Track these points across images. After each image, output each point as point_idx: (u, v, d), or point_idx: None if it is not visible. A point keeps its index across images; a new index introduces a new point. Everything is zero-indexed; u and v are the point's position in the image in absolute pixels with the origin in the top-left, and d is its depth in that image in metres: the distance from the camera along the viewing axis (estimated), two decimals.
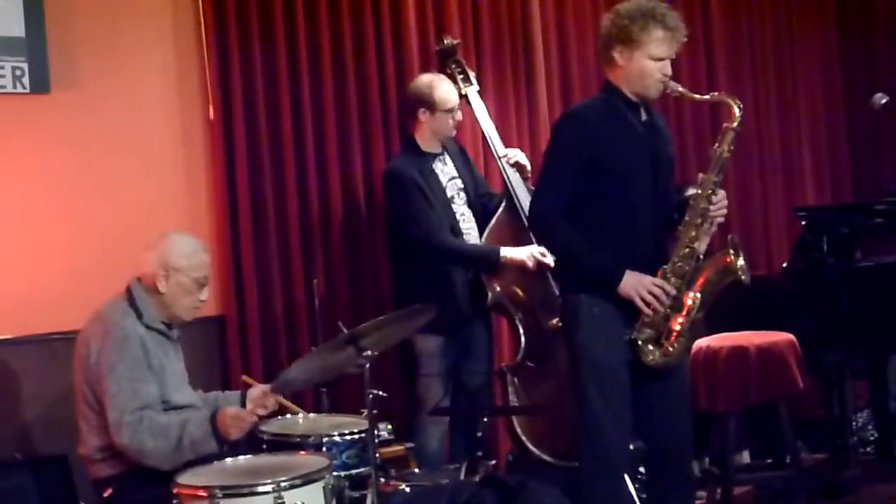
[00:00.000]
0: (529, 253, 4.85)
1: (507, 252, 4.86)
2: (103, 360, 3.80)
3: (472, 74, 5.27)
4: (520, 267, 4.88)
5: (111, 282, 4.13)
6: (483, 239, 5.01)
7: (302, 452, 3.80)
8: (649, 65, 3.86)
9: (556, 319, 4.65)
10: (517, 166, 5.10)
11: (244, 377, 4.34)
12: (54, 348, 4.53)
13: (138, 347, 3.84)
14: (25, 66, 4.59)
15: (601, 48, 3.99)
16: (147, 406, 3.78)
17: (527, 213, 4.86)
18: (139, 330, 3.89)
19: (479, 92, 5.26)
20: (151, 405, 3.80)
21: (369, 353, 3.70)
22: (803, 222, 5.85)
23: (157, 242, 4.03)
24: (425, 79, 5.05)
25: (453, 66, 5.25)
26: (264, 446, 3.95)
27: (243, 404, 4.09)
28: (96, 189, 4.78)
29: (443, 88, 4.99)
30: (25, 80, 4.60)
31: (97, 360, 3.81)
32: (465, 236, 4.99)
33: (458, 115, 5.06)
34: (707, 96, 4.23)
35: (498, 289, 4.93)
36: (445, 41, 5.30)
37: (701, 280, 3.91)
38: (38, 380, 4.60)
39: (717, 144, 3.93)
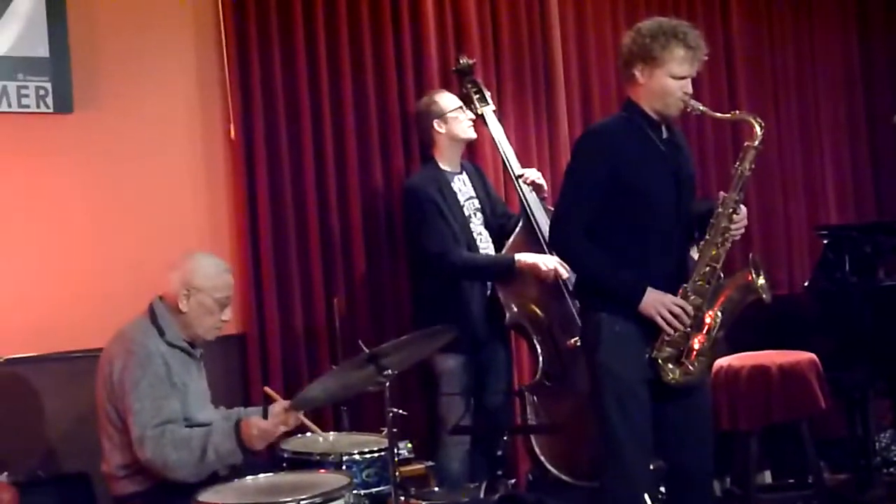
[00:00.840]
0: (544, 259, 4.85)
1: (522, 257, 4.86)
2: (126, 378, 3.82)
3: (488, 94, 5.29)
4: (536, 280, 4.88)
5: (133, 301, 4.15)
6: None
7: (322, 471, 3.80)
8: (670, 83, 3.86)
9: (575, 339, 4.67)
10: (534, 186, 5.10)
11: (266, 388, 4.33)
12: (77, 367, 4.55)
13: (161, 365, 3.85)
14: (49, 86, 4.63)
15: (622, 66, 3.99)
16: (170, 421, 3.80)
17: (544, 232, 4.89)
18: (161, 348, 3.91)
19: (495, 112, 5.27)
20: (174, 420, 3.82)
21: (389, 371, 3.71)
22: (825, 241, 5.83)
23: (181, 262, 4.06)
24: (424, 98, 5.13)
25: (469, 85, 5.26)
26: (284, 464, 3.95)
27: (265, 419, 4.10)
28: (119, 208, 4.82)
29: (442, 96, 5.07)
30: (49, 100, 4.64)
31: (120, 378, 3.83)
32: None
33: (470, 114, 5.09)
34: (728, 115, 4.23)
35: (515, 308, 4.92)
36: (462, 61, 5.31)
37: (722, 299, 3.89)
38: (60, 398, 4.62)
39: (738, 163, 3.91)
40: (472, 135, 5.11)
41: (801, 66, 6.89)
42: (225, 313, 4.08)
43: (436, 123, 5.01)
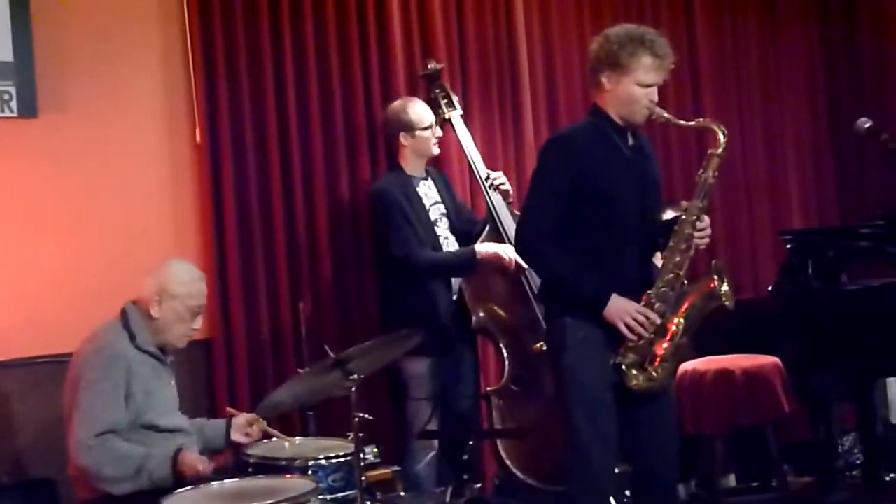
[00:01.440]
0: (504, 248, 4.87)
1: (482, 248, 4.88)
2: (84, 374, 3.84)
3: (455, 99, 5.29)
4: (501, 280, 4.91)
5: (99, 305, 4.15)
6: None
7: (288, 476, 3.78)
8: (637, 91, 3.87)
9: (541, 343, 4.67)
10: (500, 190, 5.11)
11: (228, 409, 4.35)
12: (43, 371, 4.53)
13: (122, 371, 3.86)
14: (13, 90, 4.60)
15: (589, 72, 4.00)
16: (112, 430, 3.81)
17: (510, 236, 4.90)
18: (130, 352, 3.91)
19: (462, 116, 5.28)
20: (118, 430, 3.83)
21: (356, 376, 3.71)
22: (789, 245, 5.86)
23: (156, 268, 4.07)
24: (397, 103, 5.11)
25: (437, 90, 5.26)
26: (250, 469, 3.94)
27: (228, 432, 4.15)
28: (84, 212, 4.79)
29: (415, 109, 5.04)
30: (13, 104, 4.61)
31: (79, 374, 3.85)
32: None
33: (438, 132, 5.10)
34: (692, 122, 4.23)
35: (482, 312, 4.94)
36: (430, 66, 5.32)
37: (685, 305, 3.91)
38: (25, 403, 4.60)
39: (702, 170, 3.93)
40: (436, 151, 5.12)
41: (765, 73, 6.95)
42: (196, 322, 4.09)
43: (402, 135, 5.02)
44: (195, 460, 3.87)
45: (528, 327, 4.91)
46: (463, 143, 5.23)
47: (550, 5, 6.07)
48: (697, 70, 6.60)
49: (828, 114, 7.21)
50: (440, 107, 5.20)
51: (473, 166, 5.20)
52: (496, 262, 4.88)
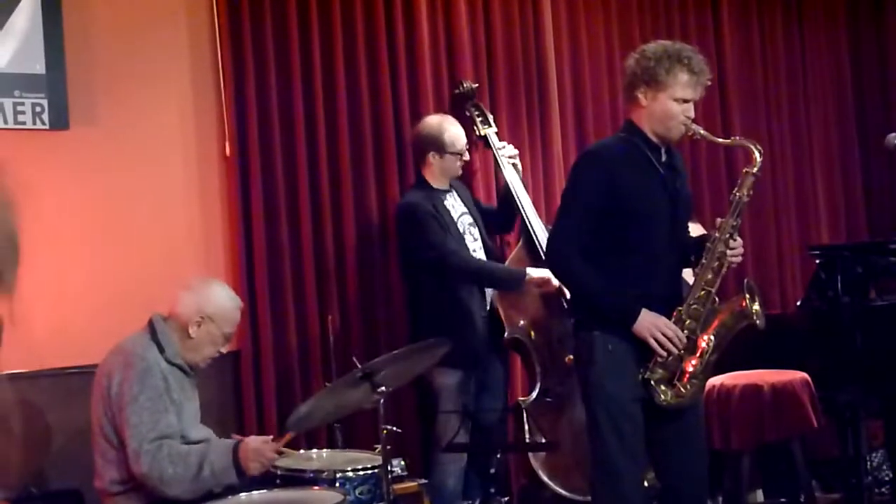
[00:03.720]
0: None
1: (533, 271, 4.90)
2: (125, 392, 3.81)
3: (490, 117, 5.37)
4: (537, 295, 4.94)
5: (128, 316, 4.15)
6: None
7: (315, 488, 3.79)
8: (673, 107, 3.85)
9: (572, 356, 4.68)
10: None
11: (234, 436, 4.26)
12: (72, 383, 4.55)
13: (160, 379, 3.85)
14: (45, 102, 4.64)
15: (625, 87, 3.99)
16: (167, 436, 3.79)
17: (539, 242, 4.92)
18: (161, 364, 3.91)
19: (497, 133, 5.33)
20: (171, 435, 3.81)
21: (384, 388, 3.71)
22: (818, 261, 5.84)
23: (198, 287, 4.07)
24: (434, 121, 5.10)
25: (472, 109, 5.34)
26: (278, 481, 3.94)
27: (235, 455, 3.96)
28: (113, 224, 4.82)
29: (451, 131, 5.05)
30: (45, 116, 4.65)
31: (118, 392, 3.82)
32: None
33: (466, 157, 5.12)
34: (728, 140, 4.22)
35: (516, 325, 4.95)
36: (465, 85, 5.38)
37: (716, 323, 3.89)
38: (53, 414, 4.62)
39: (736, 189, 3.92)
40: (458, 174, 5.14)
41: (793, 87, 6.93)
42: (225, 346, 4.10)
43: (432, 154, 5.03)
44: (260, 448, 3.84)
45: (561, 339, 4.93)
46: (500, 162, 5.25)
47: (579, 21, 6.07)
48: (725, 84, 6.58)
49: (857, 127, 7.18)
50: (475, 124, 5.28)
51: (510, 184, 5.20)
52: (544, 286, 4.88)
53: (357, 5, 5.32)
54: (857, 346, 5.38)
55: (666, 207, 3.90)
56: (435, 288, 4.90)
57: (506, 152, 5.29)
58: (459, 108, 5.41)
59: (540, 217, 5.22)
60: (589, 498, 4.18)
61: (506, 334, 4.95)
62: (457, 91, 5.44)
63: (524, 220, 5.14)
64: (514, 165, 5.28)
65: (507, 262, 5.09)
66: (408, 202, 5.02)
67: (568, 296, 4.84)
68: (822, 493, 5.93)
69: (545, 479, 4.80)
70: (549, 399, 4.92)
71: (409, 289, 5.16)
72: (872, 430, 5.90)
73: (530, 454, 4.84)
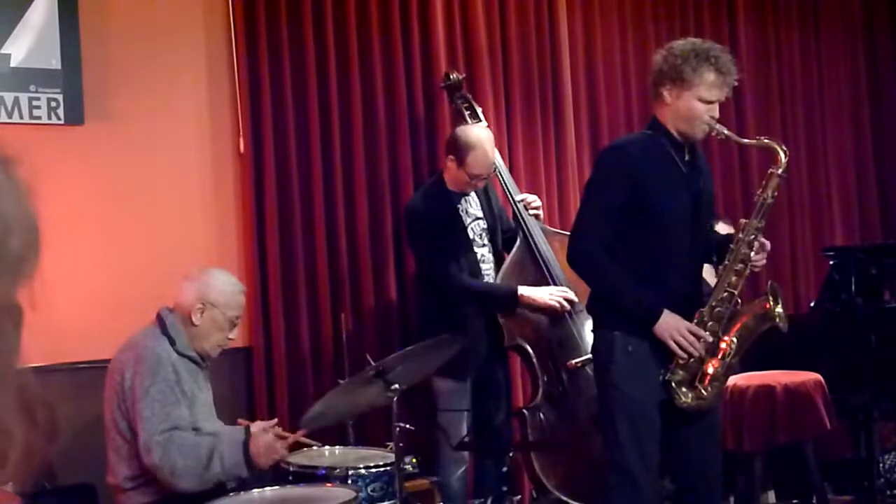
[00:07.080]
0: (549, 293, 4.83)
1: (526, 291, 4.82)
2: (137, 384, 3.82)
3: (479, 110, 5.22)
4: (541, 308, 4.86)
5: (141, 312, 4.15)
6: (498, 279, 4.96)
7: (328, 485, 3.79)
8: (698, 106, 3.81)
9: (575, 361, 4.68)
10: (532, 213, 5.06)
11: (239, 420, 4.23)
12: (83, 377, 4.55)
13: (171, 372, 3.86)
14: (61, 97, 4.65)
15: (651, 84, 3.93)
16: (178, 427, 3.80)
17: (542, 252, 4.87)
18: (172, 356, 3.91)
19: (488, 127, 5.17)
20: (182, 427, 3.82)
21: (396, 386, 3.71)
22: (831, 262, 5.83)
23: (198, 275, 4.08)
24: (473, 133, 4.87)
25: (460, 101, 5.22)
26: (290, 478, 3.94)
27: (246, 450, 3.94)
28: (127, 221, 4.83)
29: (480, 154, 4.80)
30: (60, 111, 4.66)
31: (131, 386, 3.83)
32: (484, 279, 4.96)
33: (480, 183, 4.92)
34: (754, 140, 4.16)
35: (517, 330, 4.90)
36: (451, 76, 5.27)
37: (738, 325, 3.86)
38: (66, 409, 4.61)
39: (761, 190, 3.87)
40: (468, 191, 4.97)
41: (808, 87, 6.92)
42: (233, 332, 4.10)
43: (450, 159, 4.86)
44: (270, 443, 3.84)
45: (562, 343, 4.89)
46: (518, 212, 5.11)
47: (594, 25, 6.06)
48: (740, 87, 6.51)
49: (871, 128, 7.17)
50: (464, 118, 5.13)
51: (502, 180, 5.15)
52: (541, 306, 4.84)
53: (372, 4, 5.32)
54: (871, 347, 5.37)
55: (687, 205, 3.86)
56: (438, 292, 4.86)
57: (526, 202, 5.09)
58: (447, 100, 5.32)
59: (554, 225, 5.14)
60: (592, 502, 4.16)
61: (506, 340, 4.90)
62: (443, 83, 5.33)
63: (522, 224, 5.02)
64: (536, 216, 5.09)
65: (501, 271, 4.95)
66: (413, 205, 4.95)
67: (568, 309, 4.83)
68: (835, 494, 5.91)
69: (549, 486, 4.73)
70: (549, 404, 4.88)
71: (417, 289, 5.17)
72: (885, 432, 5.88)
73: (534, 461, 4.80)
